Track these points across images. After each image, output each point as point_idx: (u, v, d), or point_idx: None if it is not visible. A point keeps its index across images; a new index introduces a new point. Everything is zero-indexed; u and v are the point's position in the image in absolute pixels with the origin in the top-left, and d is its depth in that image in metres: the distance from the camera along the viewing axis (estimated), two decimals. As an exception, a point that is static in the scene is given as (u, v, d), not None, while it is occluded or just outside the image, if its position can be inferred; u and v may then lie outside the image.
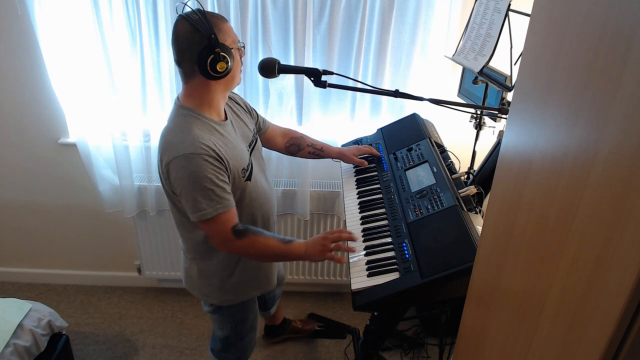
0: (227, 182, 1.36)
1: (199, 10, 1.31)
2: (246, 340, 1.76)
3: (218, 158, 1.33)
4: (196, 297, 1.70)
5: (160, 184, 2.24)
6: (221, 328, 1.72)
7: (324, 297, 2.69)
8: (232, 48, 1.35)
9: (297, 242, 1.46)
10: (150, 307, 2.60)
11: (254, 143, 1.59)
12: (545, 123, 0.74)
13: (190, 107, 1.38)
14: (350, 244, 1.49)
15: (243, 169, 1.43)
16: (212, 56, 1.29)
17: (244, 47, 1.44)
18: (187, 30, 1.30)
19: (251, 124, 1.64)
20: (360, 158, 1.87)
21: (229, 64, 1.33)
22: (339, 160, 1.91)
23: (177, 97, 1.43)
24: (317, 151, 1.84)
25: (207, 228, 1.38)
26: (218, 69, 1.31)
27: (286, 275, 2.58)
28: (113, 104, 2.15)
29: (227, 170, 1.36)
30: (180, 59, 1.34)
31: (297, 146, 1.82)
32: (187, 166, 1.29)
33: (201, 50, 1.29)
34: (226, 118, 1.48)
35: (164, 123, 2.15)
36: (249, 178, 1.46)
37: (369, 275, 1.35)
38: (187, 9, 1.34)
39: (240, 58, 1.44)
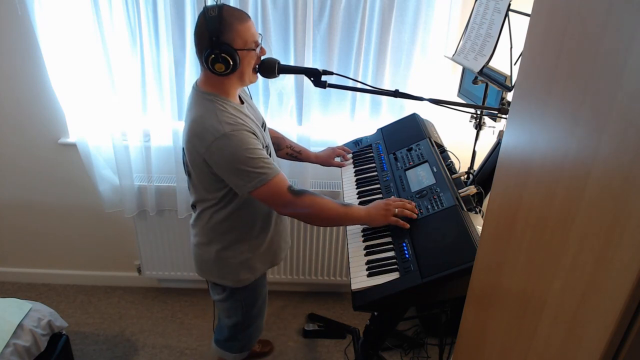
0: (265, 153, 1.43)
1: (218, 5, 1.36)
2: (253, 327, 1.78)
3: (254, 133, 1.40)
4: (199, 289, 1.72)
5: (160, 183, 2.30)
6: (229, 316, 1.73)
7: (324, 297, 2.69)
8: (239, 49, 1.37)
9: (355, 206, 1.49)
10: (150, 307, 2.60)
11: (265, 128, 1.65)
12: (545, 123, 0.74)
13: (213, 92, 1.43)
14: (351, 244, 1.50)
15: (266, 146, 1.49)
16: (212, 56, 1.35)
17: (257, 46, 1.46)
18: (200, 25, 1.36)
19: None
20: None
21: (231, 64, 1.36)
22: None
23: (196, 84, 1.48)
24: (295, 153, 1.90)
25: (264, 194, 1.40)
26: (216, 69, 1.37)
27: (286, 275, 2.59)
28: (113, 104, 2.14)
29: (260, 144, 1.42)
30: (196, 50, 1.41)
31: (277, 145, 1.86)
32: (230, 144, 1.35)
33: (205, 48, 1.35)
34: (242, 103, 1.53)
35: (164, 123, 2.21)
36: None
37: (369, 275, 1.35)
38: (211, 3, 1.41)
39: (259, 57, 1.48)
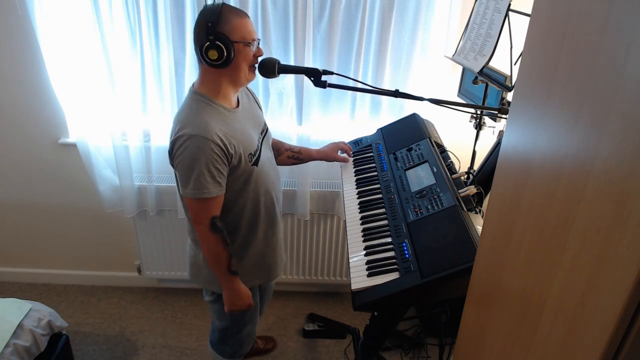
0: (223, 171, 1.43)
1: (219, 3, 1.39)
2: (244, 333, 1.77)
3: (222, 146, 1.39)
4: (199, 288, 1.73)
5: (160, 183, 2.30)
6: (220, 319, 1.73)
7: (324, 297, 2.69)
8: (235, 41, 1.38)
9: (236, 277, 1.55)
10: (150, 307, 2.60)
11: (265, 132, 1.65)
12: (545, 123, 0.74)
13: (203, 93, 1.45)
14: (351, 244, 1.51)
15: (250, 153, 1.49)
16: (207, 43, 1.36)
17: (258, 44, 1.47)
18: (199, 19, 1.39)
19: (262, 116, 1.71)
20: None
21: (224, 54, 1.37)
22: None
23: (193, 84, 1.50)
24: (296, 154, 1.89)
25: (192, 205, 1.46)
26: (210, 56, 1.37)
27: (286, 275, 2.59)
28: (113, 104, 2.14)
29: (228, 158, 1.42)
30: (195, 47, 1.43)
31: (276, 150, 1.84)
32: (190, 146, 1.37)
33: (200, 37, 1.37)
34: (238, 105, 1.53)
35: (164, 123, 2.21)
36: (255, 163, 1.52)
37: (369, 275, 1.35)
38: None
39: (256, 56, 1.48)
